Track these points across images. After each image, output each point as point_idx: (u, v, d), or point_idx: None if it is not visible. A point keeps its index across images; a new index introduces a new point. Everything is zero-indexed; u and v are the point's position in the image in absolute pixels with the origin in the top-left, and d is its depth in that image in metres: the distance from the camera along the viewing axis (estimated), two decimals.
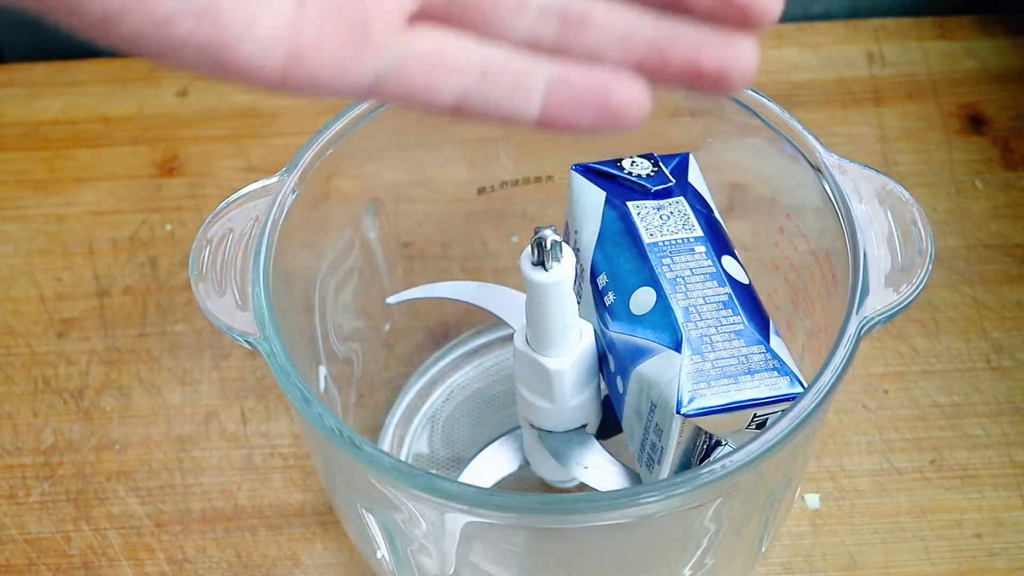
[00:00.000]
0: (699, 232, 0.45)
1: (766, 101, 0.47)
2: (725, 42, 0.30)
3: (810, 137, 0.46)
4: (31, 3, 0.28)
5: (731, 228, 0.48)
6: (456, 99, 0.31)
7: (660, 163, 0.48)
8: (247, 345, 0.42)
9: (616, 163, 0.48)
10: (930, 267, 0.42)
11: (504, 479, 0.53)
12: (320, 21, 0.29)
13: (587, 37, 0.31)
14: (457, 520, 0.41)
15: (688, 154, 0.49)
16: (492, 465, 0.54)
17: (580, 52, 0.31)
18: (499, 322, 0.52)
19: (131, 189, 0.68)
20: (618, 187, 0.47)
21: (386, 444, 0.57)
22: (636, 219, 0.46)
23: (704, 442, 0.43)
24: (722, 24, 0.30)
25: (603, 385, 0.49)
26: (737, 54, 0.30)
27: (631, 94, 0.30)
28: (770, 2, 0.30)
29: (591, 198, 0.47)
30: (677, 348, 0.42)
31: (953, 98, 0.71)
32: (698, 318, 0.43)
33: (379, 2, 0.30)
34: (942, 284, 0.63)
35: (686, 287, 0.44)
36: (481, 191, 0.55)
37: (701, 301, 0.43)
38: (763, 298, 0.45)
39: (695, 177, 0.48)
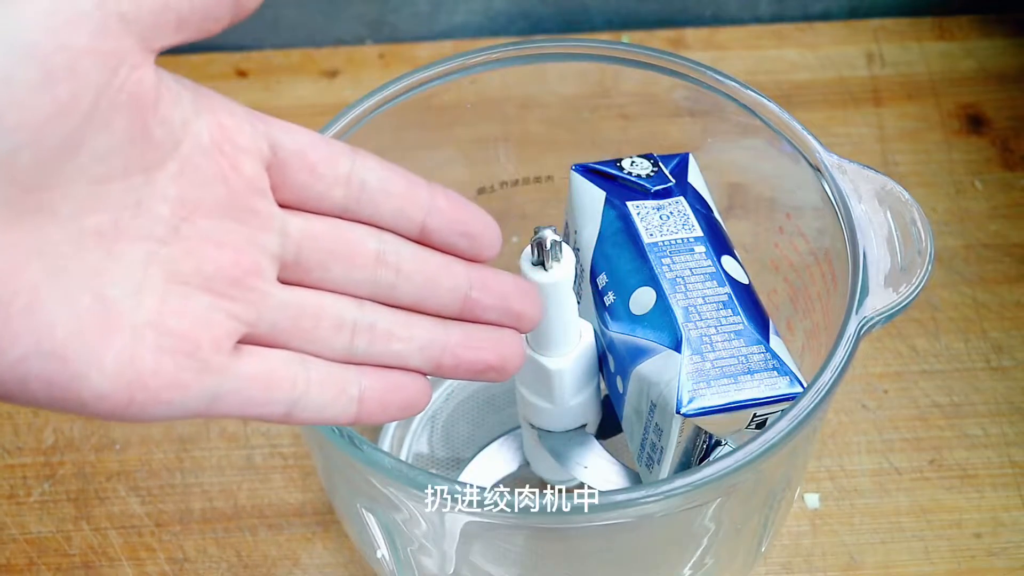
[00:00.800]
0: (699, 232, 0.45)
1: (766, 101, 0.47)
2: (500, 339, 0.38)
3: (809, 137, 0.46)
4: None
5: (731, 228, 0.48)
6: (286, 410, 0.35)
7: (660, 163, 0.48)
8: None
9: (616, 163, 0.48)
10: (930, 267, 0.42)
11: (504, 479, 0.53)
12: (156, 351, 0.32)
13: (394, 347, 0.36)
14: (457, 520, 0.41)
15: (688, 154, 0.49)
16: (492, 465, 0.54)
17: (388, 359, 0.36)
18: None
19: None
20: (618, 187, 0.47)
21: (386, 444, 0.58)
22: (636, 219, 0.46)
23: (704, 442, 0.43)
24: (500, 325, 0.38)
25: (603, 385, 0.49)
26: (512, 349, 0.38)
27: (419, 392, 0.37)
28: (535, 313, 0.38)
29: (591, 198, 0.47)
30: (677, 348, 0.42)
31: (952, 98, 0.71)
32: (698, 318, 0.43)
33: (208, 330, 0.33)
34: (941, 284, 0.63)
35: (686, 287, 0.44)
36: (481, 191, 0.55)
37: (701, 301, 0.43)
38: (763, 298, 0.45)
39: (695, 177, 0.48)
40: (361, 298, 0.36)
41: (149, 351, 0.32)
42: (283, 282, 0.35)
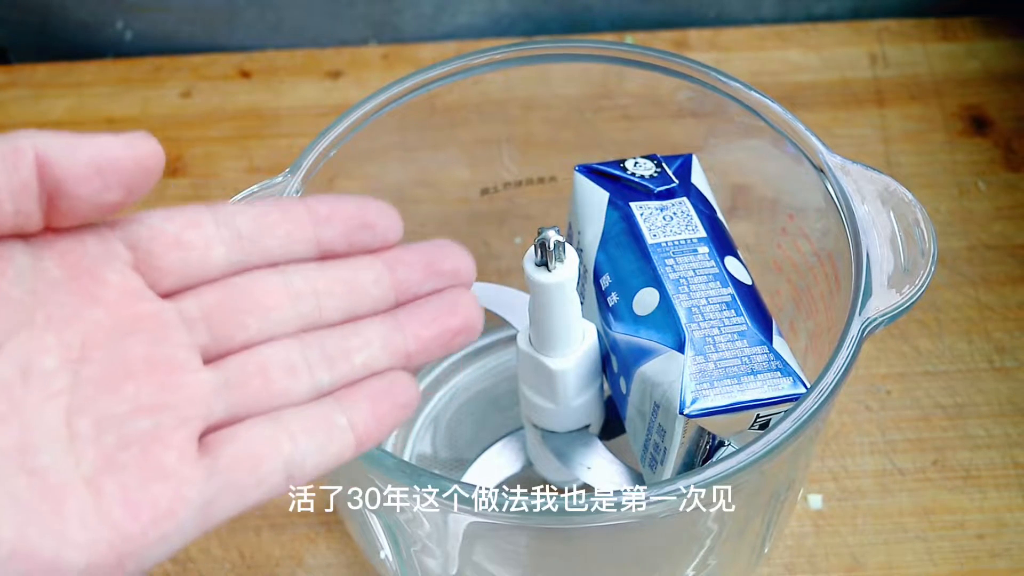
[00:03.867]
0: (702, 233, 0.45)
1: (769, 102, 0.47)
2: (451, 301, 0.35)
3: (813, 138, 0.46)
4: None
5: (734, 229, 0.48)
6: (285, 474, 0.33)
7: (663, 164, 0.48)
8: None
9: (619, 164, 0.48)
10: (933, 268, 0.42)
11: (507, 480, 0.53)
12: (123, 493, 0.29)
13: (358, 360, 0.34)
14: (460, 521, 0.41)
15: (691, 155, 0.49)
16: (495, 466, 0.54)
17: (358, 373, 0.34)
18: (502, 323, 0.52)
19: None
20: (621, 188, 0.47)
21: (389, 444, 0.58)
22: (639, 220, 0.46)
23: (707, 442, 0.43)
24: (442, 289, 0.35)
25: (606, 385, 0.49)
26: (468, 307, 0.35)
27: (406, 387, 0.34)
28: (468, 265, 0.36)
29: (594, 199, 0.48)
30: (680, 349, 0.42)
31: (956, 99, 0.71)
32: (701, 319, 0.43)
33: (165, 446, 0.30)
34: (945, 285, 0.63)
35: (689, 288, 0.44)
36: (484, 192, 0.55)
37: (704, 302, 0.43)
38: (766, 299, 0.45)
39: (698, 178, 0.48)
40: (297, 335, 0.34)
41: (114, 499, 0.29)
42: (213, 360, 0.33)
